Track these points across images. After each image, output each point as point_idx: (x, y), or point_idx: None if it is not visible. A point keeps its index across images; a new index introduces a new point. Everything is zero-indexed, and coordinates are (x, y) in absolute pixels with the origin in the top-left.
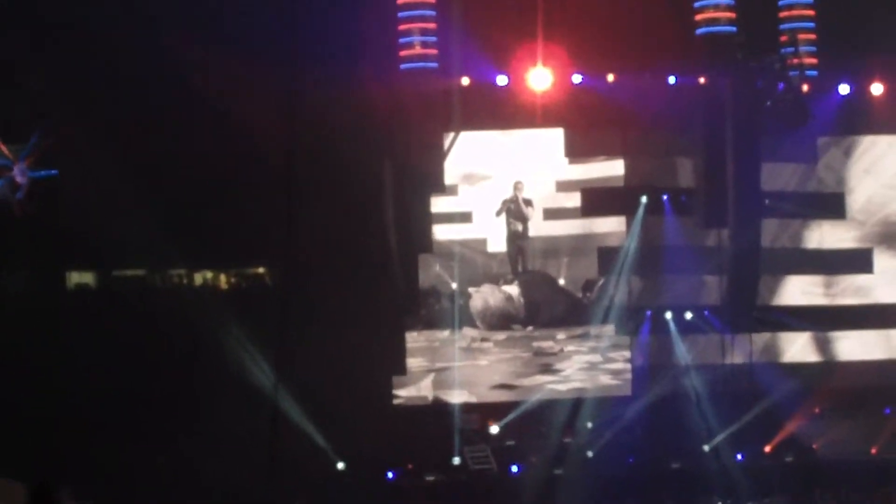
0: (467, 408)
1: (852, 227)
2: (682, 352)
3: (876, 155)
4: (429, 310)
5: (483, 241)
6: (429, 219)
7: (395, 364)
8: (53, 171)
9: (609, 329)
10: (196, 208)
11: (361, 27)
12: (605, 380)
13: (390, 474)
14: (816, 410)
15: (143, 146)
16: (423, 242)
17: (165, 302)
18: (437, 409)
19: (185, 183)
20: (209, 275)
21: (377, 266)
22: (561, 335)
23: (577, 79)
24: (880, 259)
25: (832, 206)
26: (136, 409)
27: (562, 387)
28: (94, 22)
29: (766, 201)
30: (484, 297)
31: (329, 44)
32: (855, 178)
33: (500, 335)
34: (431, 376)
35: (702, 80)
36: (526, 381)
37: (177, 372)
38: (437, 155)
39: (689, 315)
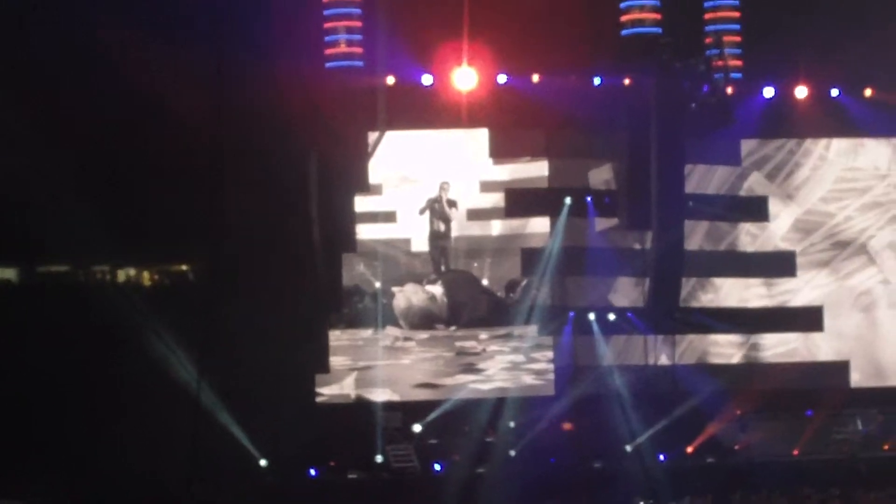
0: (390, 406)
1: (776, 231)
2: (605, 352)
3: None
4: (352, 308)
5: (407, 241)
6: (353, 218)
7: (318, 362)
8: None
9: (532, 329)
10: (120, 204)
11: (287, 24)
12: (528, 380)
13: (313, 472)
14: (738, 412)
15: (67, 142)
16: (347, 241)
17: (89, 298)
18: (360, 408)
19: (110, 179)
20: (132, 272)
21: (301, 264)
22: (484, 335)
23: (502, 79)
24: (804, 263)
25: (756, 209)
26: (58, 405)
27: (484, 386)
28: (18, 16)
29: (690, 203)
30: (407, 296)
31: (255, 41)
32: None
33: (423, 334)
34: (354, 375)
35: (626, 81)
36: (448, 381)
37: (99, 368)
38: (362, 154)
39: (612, 316)
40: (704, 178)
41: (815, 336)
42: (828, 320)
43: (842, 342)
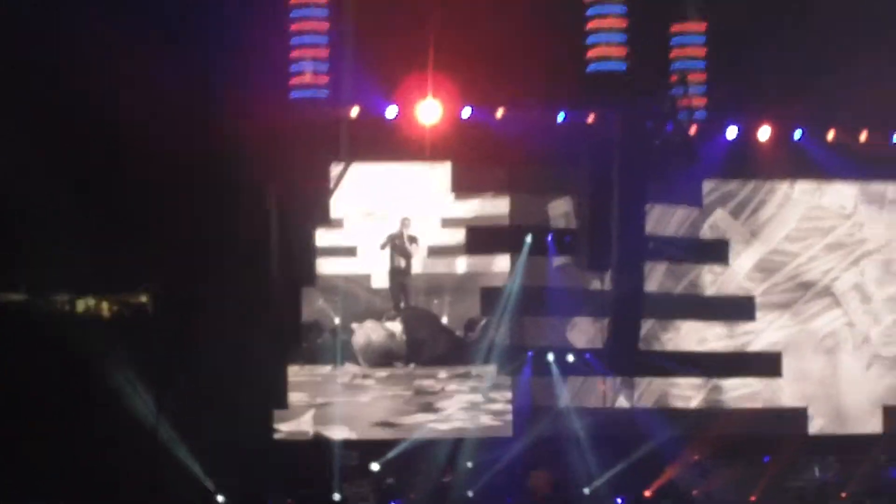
0: (348, 444)
1: (738, 272)
2: (564, 394)
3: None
4: (311, 344)
5: (367, 277)
6: (314, 252)
7: (276, 398)
8: None
9: (491, 369)
10: (80, 234)
11: (251, 54)
12: (486, 420)
13: None
14: (696, 457)
15: (28, 166)
16: (307, 275)
17: (47, 327)
18: (318, 445)
19: (71, 205)
20: (91, 301)
21: (260, 298)
22: (442, 374)
23: (466, 112)
24: (765, 305)
25: (716, 252)
26: (13, 436)
27: (443, 426)
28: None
29: (651, 244)
30: (367, 333)
31: (217, 70)
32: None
33: (382, 372)
34: (312, 411)
35: (590, 117)
36: (407, 420)
37: (55, 399)
38: (324, 186)
39: (570, 357)
40: (663, 219)
41: (777, 380)
42: (790, 364)
43: (804, 386)
